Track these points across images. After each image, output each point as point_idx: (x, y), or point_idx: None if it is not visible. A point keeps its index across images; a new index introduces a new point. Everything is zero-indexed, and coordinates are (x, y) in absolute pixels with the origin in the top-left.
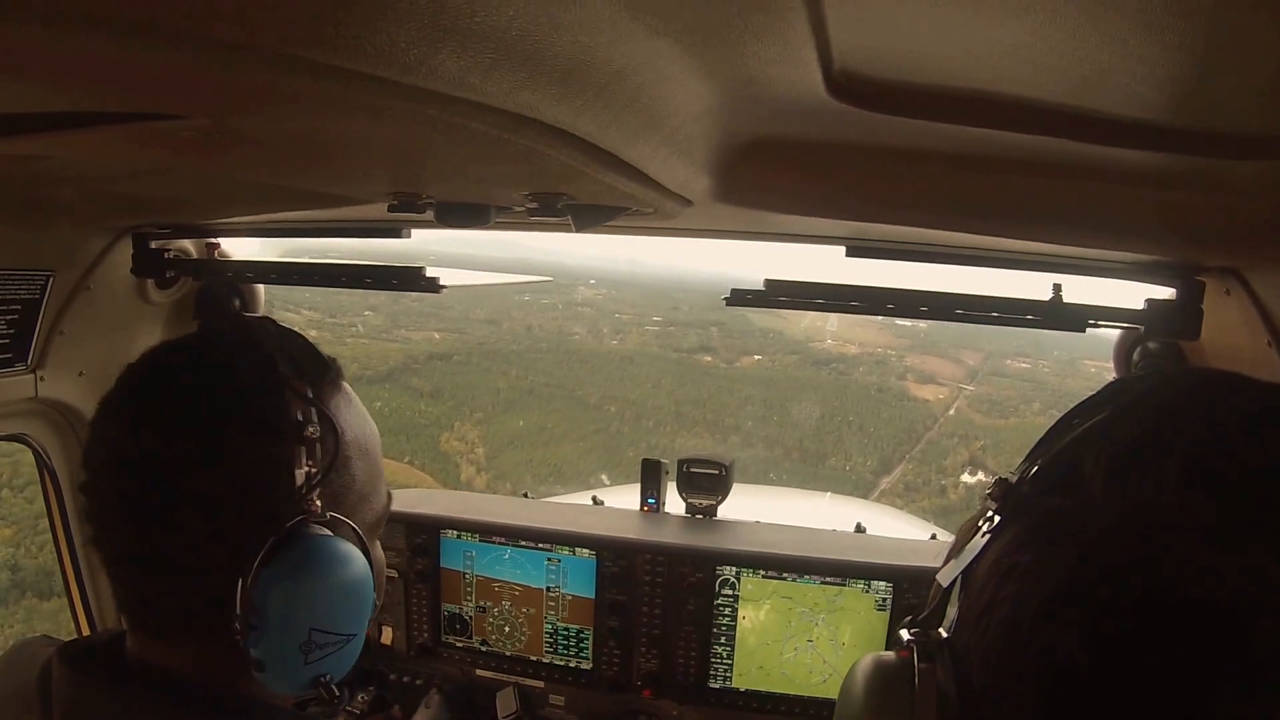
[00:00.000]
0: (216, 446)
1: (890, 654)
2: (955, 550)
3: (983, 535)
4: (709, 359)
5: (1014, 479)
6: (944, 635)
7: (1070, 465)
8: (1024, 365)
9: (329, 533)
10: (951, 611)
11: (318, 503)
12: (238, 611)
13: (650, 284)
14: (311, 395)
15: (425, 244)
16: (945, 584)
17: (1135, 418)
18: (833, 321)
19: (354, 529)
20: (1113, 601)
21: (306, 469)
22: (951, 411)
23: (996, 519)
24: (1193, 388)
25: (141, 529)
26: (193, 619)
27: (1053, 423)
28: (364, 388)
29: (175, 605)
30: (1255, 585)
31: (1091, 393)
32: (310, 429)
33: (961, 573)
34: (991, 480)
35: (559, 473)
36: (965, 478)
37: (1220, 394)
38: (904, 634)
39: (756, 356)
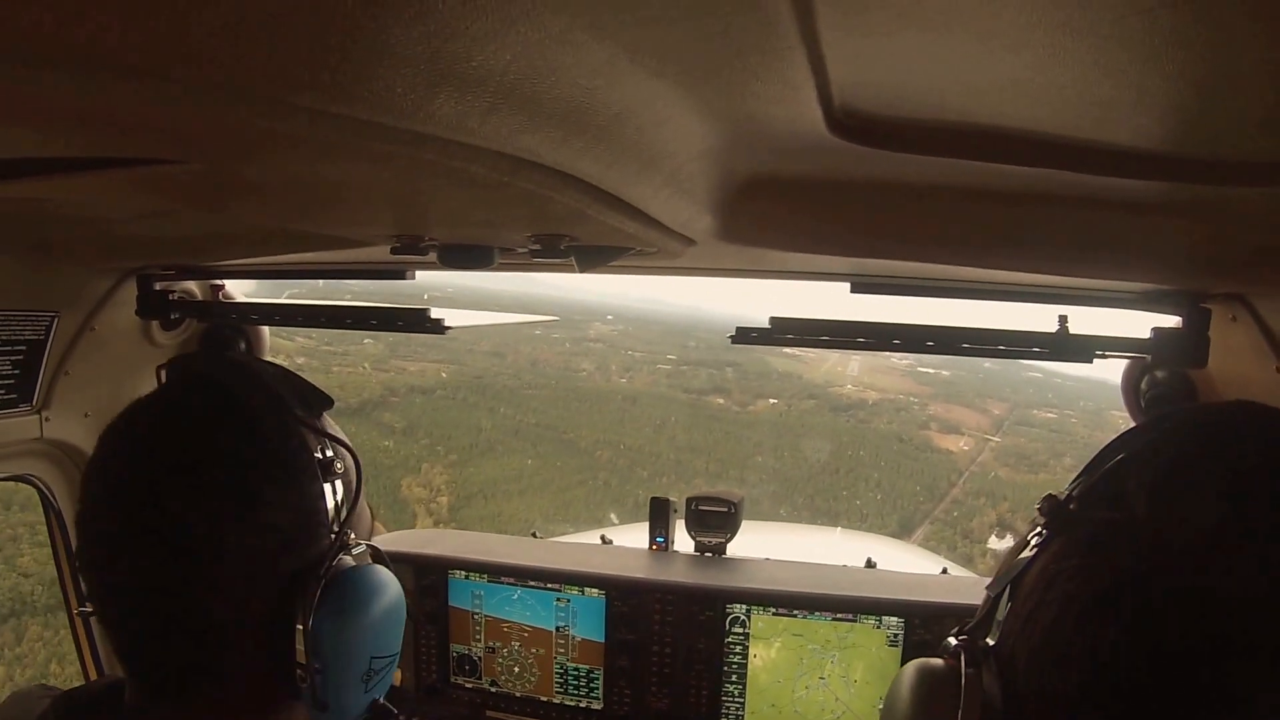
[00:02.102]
0: (250, 499)
1: (937, 660)
2: (1006, 563)
3: (1031, 549)
4: (721, 401)
5: (1062, 497)
6: (990, 643)
7: (1116, 484)
8: (1050, 415)
9: (367, 560)
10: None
11: (351, 534)
12: (303, 660)
13: (669, 321)
14: (324, 429)
15: (440, 276)
16: (993, 593)
17: (1178, 441)
18: (854, 366)
19: (379, 551)
20: (1156, 599)
21: (334, 502)
22: (976, 465)
23: (1044, 533)
24: (1232, 415)
25: (176, 597)
26: (224, 676)
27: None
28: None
29: (210, 666)
30: (1268, 595)
31: None
32: (338, 464)
33: (1009, 583)
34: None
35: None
36: (993, 543)
37: (1261, 418)
38: (951, 641)
39: (772, 400)
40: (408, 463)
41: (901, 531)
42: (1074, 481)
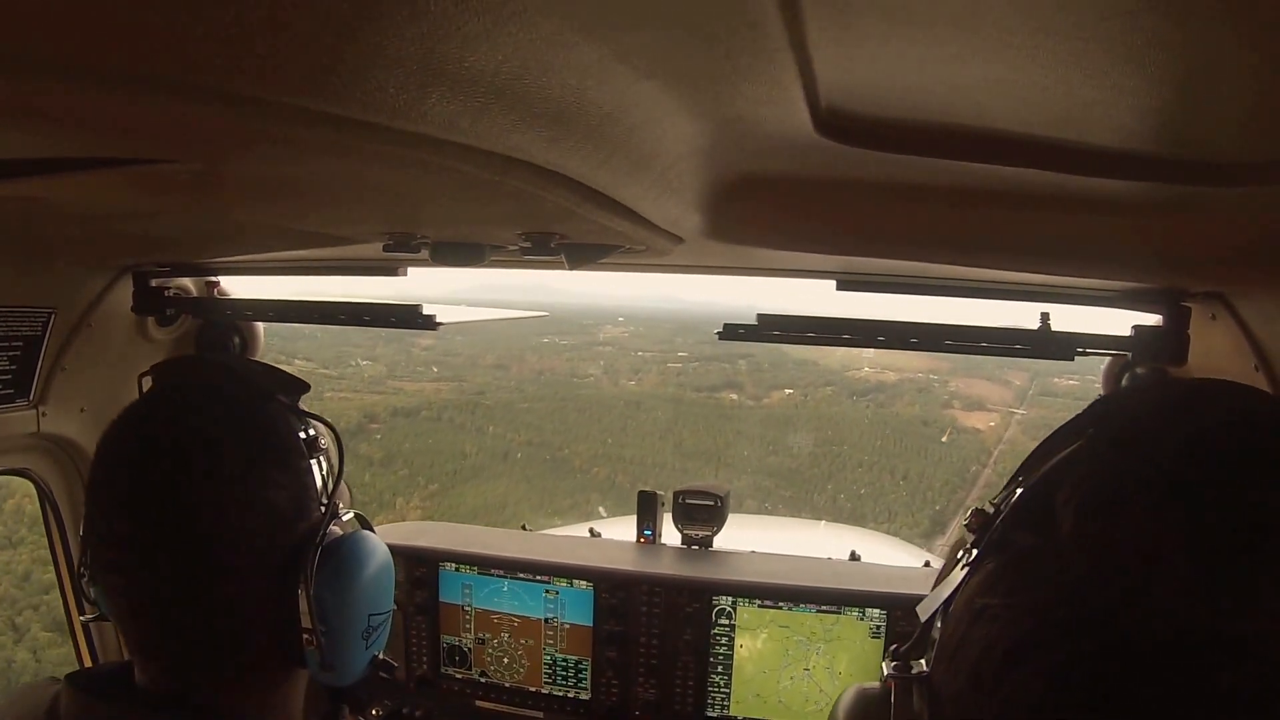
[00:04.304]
0: (251, 483)
1: (874, 685)
2: (940, 579)
3: (961, 568)
4: (734, 397)
5: (991, 510)
6: (924, 669)
7: (1044, 498)
8: (1073, 383)
9: (355, 526)
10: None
11: (339, 503)
12: (310, 625)
13: (683, 318)
14: (308, 411)
15: (456, 292)
16: (924, 618)
17: (1111, 445)
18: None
19: (364, 518)
20: (1076, 651)
21: (321, 476)
22: (1005, 443)
23: (975, 551)
24: (1173, 411)
25: (191, 585)
26: (234, 652)
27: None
28: None
29: (222, 645)
30: (1224, 634)
31: None
32: (322, 440)
33: (942, 604)
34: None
35: None
36: None
37: (1200, 419)
38: (884, 667)
39: (788, 391)
40: (382, 498)
41: (935, 529)
42: (1005, 488)
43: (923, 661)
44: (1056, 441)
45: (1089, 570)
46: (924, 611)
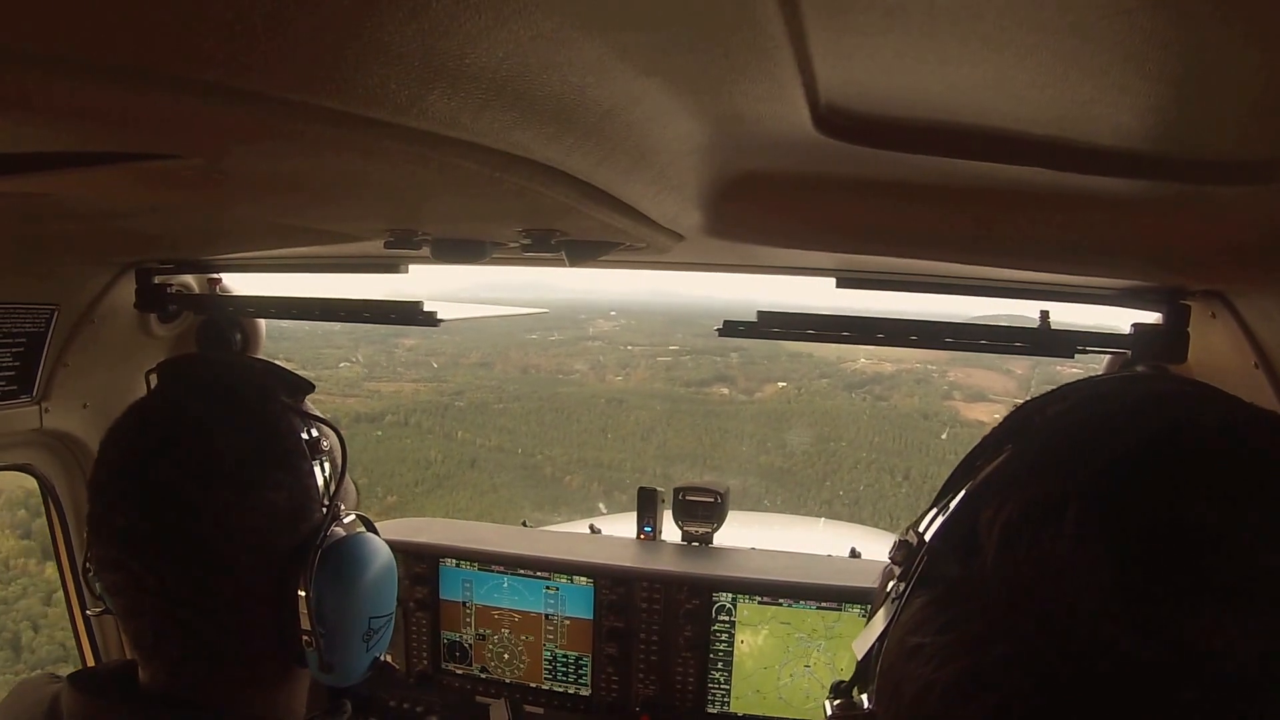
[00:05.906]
0: (251, 484)
1: None
2: (873, 610)
3: (892, 600)
4: (725, 391)
5: (914, 541)
6: (867, 705)
7: (968, 524)
8: (1076, 371)
9: (359, 528)
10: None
11: (340, 505)
12: (310, 626)
13: (675, 311)
14: (312, 412)
15: (459, 292)
16: (860, 655)
17: (1033, 460)
18: None
19: (368, 519)
20: (1013, 690)
21: (323, 478)
22: None
23: (903, 584)
24: (1100, 418)
25: (192, 582)
26: (236, 651)
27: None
28: None
29: (223, 643)
30: (1160, 663)
31: None
32: (325, 442)
33: (877, 640)
34: None
35: None
36: None
37: (1129, 429)
38: (827, 706)
39: (781, 384)
40: None
41: None
42: (930, 511)
43: (864, 697)
44: (978, 458)
45: (1014, 603)
46: (860, 649)
